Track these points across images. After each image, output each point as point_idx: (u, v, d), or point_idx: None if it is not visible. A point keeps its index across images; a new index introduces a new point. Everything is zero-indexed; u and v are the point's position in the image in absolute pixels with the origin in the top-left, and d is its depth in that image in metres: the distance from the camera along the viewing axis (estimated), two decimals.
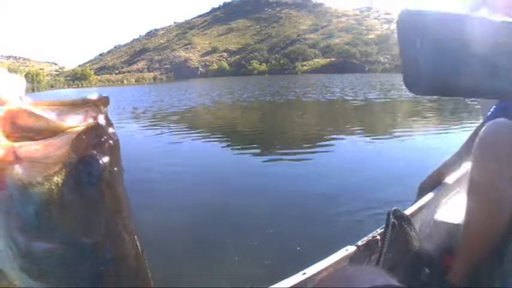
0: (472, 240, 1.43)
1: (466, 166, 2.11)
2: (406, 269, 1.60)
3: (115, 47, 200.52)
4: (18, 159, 0.46)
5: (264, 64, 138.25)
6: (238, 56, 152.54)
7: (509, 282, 1.30)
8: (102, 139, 0.53)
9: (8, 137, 0.48)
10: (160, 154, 7.80)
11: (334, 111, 16.87)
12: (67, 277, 0.50)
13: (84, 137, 0.51)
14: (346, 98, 21.89)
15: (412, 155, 6.34)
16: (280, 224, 3.79)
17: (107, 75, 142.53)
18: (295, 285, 1.34)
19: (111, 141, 0.53)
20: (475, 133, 1.74)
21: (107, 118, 0.54)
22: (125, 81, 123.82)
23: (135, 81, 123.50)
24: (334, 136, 9.23)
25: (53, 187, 0.48)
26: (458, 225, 1.67)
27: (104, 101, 0.54)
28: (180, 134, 10.41)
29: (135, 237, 0.56)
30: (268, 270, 2.82)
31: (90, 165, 0.50)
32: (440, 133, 8.66)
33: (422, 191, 2.02)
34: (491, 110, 1.80)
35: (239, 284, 2.65)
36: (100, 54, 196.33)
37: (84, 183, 0.50)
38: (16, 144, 0.47)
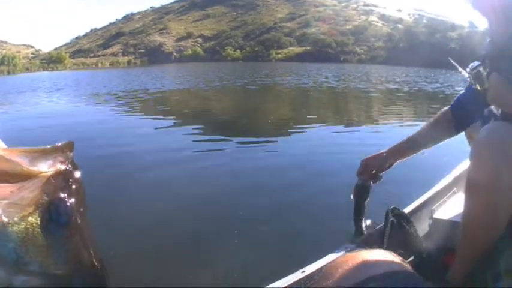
0: (470, 239, 1.38)
1: (464, 164, 2.13)
2: None
3: (91, 30, 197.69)
4: None
5: (238, 51, 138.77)
6: (213, 42, 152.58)
7: (502, 283, 1.25)
8: (69, 183, 0.59)
9: None
10: (129, 139, 7.34)
11: (309, 98, 16.32)
12: None
13: (53, 181, 0.57)
14: (322, 85, 21.60)
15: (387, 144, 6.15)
16: (265, 217, 3.46)
17: (82, 59, 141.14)
18: (295, 283, 1.34)
19: (76, 185, 0.60)
20: (440, 117, 1.82)
21: (72, 163, 0.61)
22: (99, 64, 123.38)
23: (110, 64, 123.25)
24: (313, 124, 8.78)
25: (29, 226, 0.54)
26: (457, 223, 1.59)
27: (69, 146, 0.62)
28: (153, 119, 10.01)
29: (101, 267, 0.62)
30: (261, 267, 2.56)
31: (59, 206, 0.57)
32: (411, 123, 8.62)
33: (364, 172, 1.84)
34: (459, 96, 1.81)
35: (232, 283, 2.44)
36: (76, 38, 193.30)
37: (55, 222, 0.57)
38: None
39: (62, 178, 0.59)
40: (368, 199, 1.79)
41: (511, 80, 1.27)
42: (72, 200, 0.59)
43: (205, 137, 7.76)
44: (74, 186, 0.60)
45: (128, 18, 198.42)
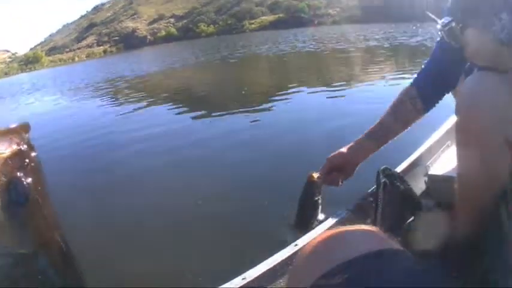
0: (468, 192, 1.29)
1: (454, 118, 2.01)
2: (405, 229, 1.49)
3: (63, 26, 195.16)
4: None
5: (211, 26, 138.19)
6: (185, 21, 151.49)
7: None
8: (26, 163, 0.59)
9: None
10: (117, 125, 7.53)
11: (287, 64, 16.04)
12: (7, 284, 0.56)
13: (10, 162, 0.57)
14: (301, 50, 20.88)
15: (377, 102, 5.70)
16: (253, 191, 3.45)
17: (58, 55, 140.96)
18: (289, 257, 1.31)
19: (33, 164, 0.60)
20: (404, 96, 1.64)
21: (28, 143, 0.61)
22: (76, 58, 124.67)
23: (86, 56, 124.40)
24: (295, 89, 8.68)
25: None
26: (454, 177, 1.47)
27: (25, 128, 0.61)
28: (135, 103, 10.05)
29: (64, 245, 0.63)
30: (255, 240, 2.54)
31: (17, 186, 0.57)
32: (398, 78, 8.27)
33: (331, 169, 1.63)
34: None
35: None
36: (50, 35, 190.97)
37: (14, 202, 0.56)
38: None
39: (19, 158, 0.59)
40: (319, 197, 1.57)
41: (491, 32, 1.17)
42: (30, 179, 0.59)
43: (184, 115, 7.77)
44: (30, 166, 0.60)
45: (98, 8, 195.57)
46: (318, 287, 0.58)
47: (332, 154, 1.66)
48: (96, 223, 3.13)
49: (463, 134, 1.27)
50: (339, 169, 1.61)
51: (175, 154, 4.92)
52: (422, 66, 1.64)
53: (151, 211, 3.27)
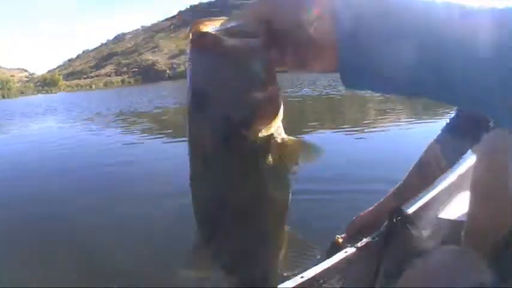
0: (474, 238, 1.31)
1: (468, 163, 2.04)
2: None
3: (83, 52, 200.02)
4: None
5: None
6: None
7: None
8: None
9: None
10: (132, 156, 7.32)
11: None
12: None
13: None
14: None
15: (392, 145, 5.75)
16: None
17: (76, 80, 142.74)
18: None
19: None
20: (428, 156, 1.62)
21: None
22: (93, 85, 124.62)
23: (104, 85, 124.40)
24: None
25: None
26: (462, 222, 1.53)
27: None
28: (150, 135, 9.75)
29: None
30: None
31: None
32: (413, 123, 7.76)
33: (354, 231, 1.65)
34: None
35: None
36: (69, 60, 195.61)
37: None
38: None
39: None
40: None
41: None
42: None
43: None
44: None
45: (119, 38, 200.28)
46: None
47: (358, 216, 1.67)
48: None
49: (477, 177, 1.32)
50: (365, 229, 1.62)
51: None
52: (447, 121, 1.65)
53: None
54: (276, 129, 0.45)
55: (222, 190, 0.47)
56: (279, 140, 0.46)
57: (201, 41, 0.43)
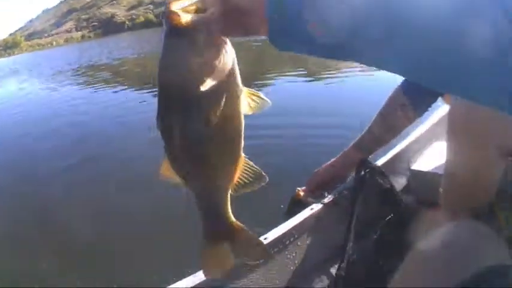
0: (454, 194, 1.18)
1: (441, 111, 1.93)
2: (385, 226, 1.41)
3: (43, 11, 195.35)
4: None
5: None
6: (164, 7, 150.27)
7: None
8: None
9: None
10: (94, 109, 7.24)
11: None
12: None
13: None
14: None
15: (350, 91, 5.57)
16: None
17: (37, 40, 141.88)
18: None
19: None
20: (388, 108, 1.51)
21: None
22: (54, 43, 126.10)
23: (64, 41, 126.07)
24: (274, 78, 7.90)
25: None
26: (438, 174, 1.40)
27: None
28: (106, 88, 9.61)
29: None
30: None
31: None
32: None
33: (313, 186, 1.56)
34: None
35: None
36: (30, 21, 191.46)
37: None
38: None
39: None
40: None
41: None
42: None
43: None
44: None
45: None
46: None
47: (320, 169, 1.60)
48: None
49: (458, 134, 1.10)
50: (326, 183, 1.56)
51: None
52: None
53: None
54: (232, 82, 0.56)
55: (183, 124, 0.55)
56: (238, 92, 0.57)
57: (170, 18, 0.51)
